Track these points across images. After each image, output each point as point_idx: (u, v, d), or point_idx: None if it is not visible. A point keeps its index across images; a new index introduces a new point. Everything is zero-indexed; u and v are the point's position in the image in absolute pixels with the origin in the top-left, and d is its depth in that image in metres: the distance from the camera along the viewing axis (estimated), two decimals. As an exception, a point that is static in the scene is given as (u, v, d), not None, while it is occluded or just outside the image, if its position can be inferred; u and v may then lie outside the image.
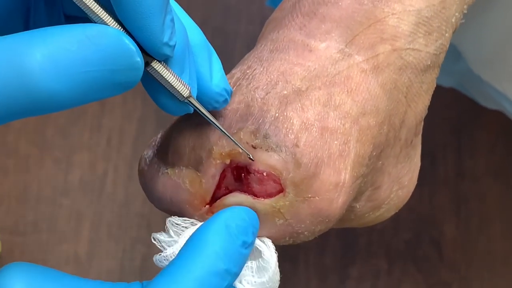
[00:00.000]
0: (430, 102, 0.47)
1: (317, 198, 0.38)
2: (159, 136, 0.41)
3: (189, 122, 0.39)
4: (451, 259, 0.93)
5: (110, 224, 0.94)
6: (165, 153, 0.39)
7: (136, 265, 0.92)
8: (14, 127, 0.97)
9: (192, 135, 0.39)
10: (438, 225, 0.94)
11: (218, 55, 0.40)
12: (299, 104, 0.39)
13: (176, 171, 0.39)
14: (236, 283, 0.37)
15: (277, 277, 0.38)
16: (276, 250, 0.39)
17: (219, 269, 0.34)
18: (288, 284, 0.92)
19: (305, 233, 0.39)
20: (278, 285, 0.39)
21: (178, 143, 0.39)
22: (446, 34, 0.44)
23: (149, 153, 0.41)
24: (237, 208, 0.37)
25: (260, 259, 0.38)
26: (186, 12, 0.38)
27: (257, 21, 1.01)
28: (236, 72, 0.41)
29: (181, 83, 0.35)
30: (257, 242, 0.38)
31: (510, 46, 0.60)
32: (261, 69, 0.40)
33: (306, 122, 0.38)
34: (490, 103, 0.67)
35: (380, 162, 0.43)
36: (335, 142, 0.39)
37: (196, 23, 0.38)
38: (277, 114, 0.38)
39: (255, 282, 0.37)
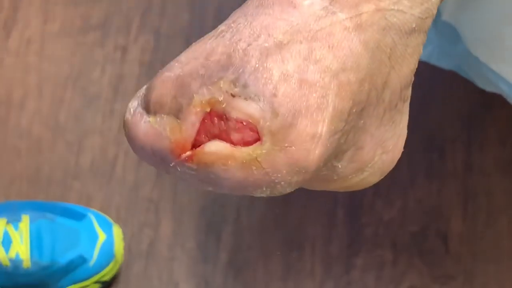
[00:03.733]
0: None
1: (293, 148, 0.39)
2: (144, 87, 0.42)
3: (172, 72, 0.40)
4: (457, 252, 0.93)
5: (118, 208, 0.95)
6: (148, 103, 0.41)
7: (143, 248, 0.93)
8: (28, 110, 0.99)
9: (174, 84, 0.40)
10: (445, 218, 0.95)
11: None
12: (280, 56, 0.40)
13: (158, 119, 0.40)
14: None
15: None
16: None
17: None
18: (293, 272, 0.92)
19: (282, 183, 0.40)
20: None
21: (160, 92, 0.40)
22: None
23: (134, 103, 0.42)
24: None
25: None
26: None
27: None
28: (222, 26, 0.42)
29: None
30: None
31: (506, 26, 0.61)
32: (245, 23, 0.41)
33: (285, 74, 0.39)
34: (488, 86, 0.68)
35: (362, 121, 0.44)
36: (314, 94, 0.39)
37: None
38: (257, 65, 0.39)
39: None
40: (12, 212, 0.88)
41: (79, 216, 0.89)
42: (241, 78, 0.39)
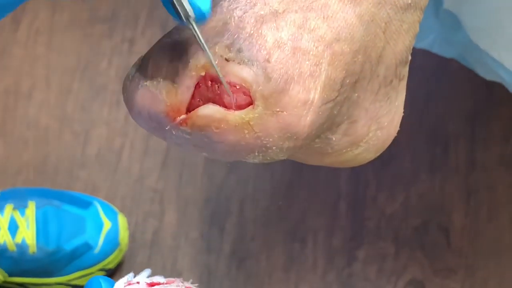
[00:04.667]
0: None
1: (285, 113, 0.40)
2: (143, 55, 0.43)
3: (170, 39, 0.41)
4: (459, 246, 0.93)
5: (123, 198, 0.96)
6: (146, 68, 0.42)
7: (147, 238, 0.94)
8: (36, 100, 1.00)
9: (170, 49, 0.41)
10: (448, 213, 0.95)
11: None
12: (274, 24, 0.41)
13: (154, 83, 0.41)
14: None
15: None
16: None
17: None
18: (295, 264, 0.93)
19: (273, 148, 0.41)
20: None
21: (157, 57, 0.41)
22: None
23: (133, 70, 0.43)
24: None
25: None
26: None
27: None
28: None
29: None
30: None
31: (506, 14, 0.61)
32: None
33: (279, 41, 0.40)
34: (488, 74, 0.68)
35: (356, 94, 0.44)
36: (307, 62, 0.40)
37: None
38: (252, 31, 0.40)
39: None
40: (19, 198, 0.89)
41: (85, 204, 0.90)
42: (236, 44, 0.40)
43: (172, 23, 1.02)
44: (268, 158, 0.42)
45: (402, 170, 0.96)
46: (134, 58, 1.01)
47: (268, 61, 0.40)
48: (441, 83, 0.99)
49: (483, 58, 0.67)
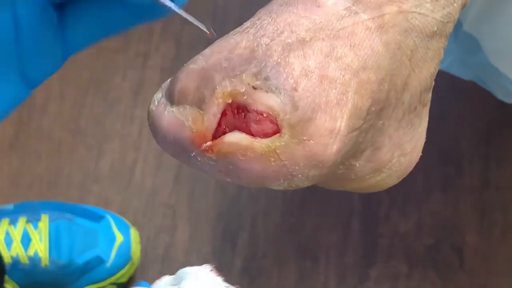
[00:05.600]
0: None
1: (312, 141, 0.40)
2: (169, 80, 0.43)
3: (196, 65, 0.41)
4: (471, 266, 0.93)
5: (136, 212, 0.96)
6: (172, 94, 0.42)
7: (158, 253, 0.94)
8: (50, 113, 1.00)
9: (197, 76, 0.41)
10: (461, 232, 0.95)
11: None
12: (302, 52, 0.40)
13: (181, 109, 0.41)
14: None
15: None
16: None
17: None
18: (307, 282, 0.93)
19: (299, 176, 0.41)
20: None
21: (184, 83, 0.41)
22: (455, 4, 0.46)
23: (158, 95, 0.43)
24: None
25: None
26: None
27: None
28: (247, 22, 0.43)
29: None
30: None
31: (527, 37, 0.61)
32: (269, 20, 0.42)
33: (306, 69, 0.40)
34: (508, 97, 0.68)
35: (381, 122, 0.44)
36: (334, 91, 0.40)
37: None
38: (279, 60, 0.40)
39: None
40: (32, 212, 0.89)
41: (97, 218, 0.90)
42: (263, 72, 0.40)
43: (186, 37, 1.02)
44: (293, 186, 0.41)
45: (415, 189, 0.96)
46: (149, 72, 1.02)
47: (295, 89, 0.40)
48: (454, 102, 0.99)
49: (502, 80, 0.67)
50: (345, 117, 0.40)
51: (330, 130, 0.40)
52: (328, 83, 0.40)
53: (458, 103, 0.99)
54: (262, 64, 0.40)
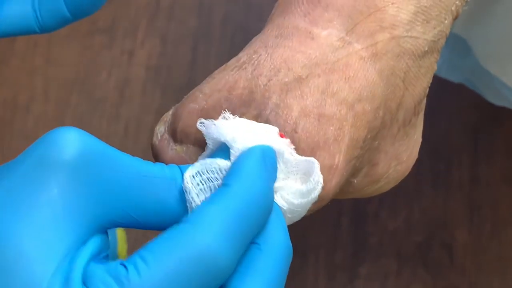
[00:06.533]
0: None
1: None
2: (170, 113, 0.44)
3: (197, 104, 0.42)
4: (462, 263, 0.93)
5: (123, 213, 0.95)
6: (175, 131, 0.43)
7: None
8: (34, 113, 0.99)
9: (198, 116, 0.42)
10: (450, 229, 0.94)
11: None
12: (299, 92, 0.41)
13: (184, 148, 0.42)
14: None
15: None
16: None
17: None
18: (296, 280, 0.92)
19: None
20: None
21: (186, 123, 0.42)
22: (446, 21, 0.46)
23: (161, 128, 0.44)
24: (267, 146, 0.37)
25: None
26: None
27: (278, 18, 1.02)
28: (243, 55, 0.43)
29: None
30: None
31: (518, 39, 0.61)
32: (266, 55, 0.43)
33: (304, 110, 0.41)
34: (498, 99, 0.68)
35: (377, 142, 0.45)
36: (331, 128, 0.41)
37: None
38: (278, 102, 0.41)
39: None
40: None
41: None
42: (263, 115, 0.41)
43: (172, 34, 1.01)
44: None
45: (404, 186, 0.96)
46: (134, 71, 1.01)
47: (295, 131, 0.41)
48: (443, 98, 0.98)
49: (493, 83, 0.67)
50: (343, 151, 0.41)
51: (328, 167, 0.41)
52: (326, 121, 0.41)
53: (447, 99, 0.99)
54: (262, 107, 0.41)
